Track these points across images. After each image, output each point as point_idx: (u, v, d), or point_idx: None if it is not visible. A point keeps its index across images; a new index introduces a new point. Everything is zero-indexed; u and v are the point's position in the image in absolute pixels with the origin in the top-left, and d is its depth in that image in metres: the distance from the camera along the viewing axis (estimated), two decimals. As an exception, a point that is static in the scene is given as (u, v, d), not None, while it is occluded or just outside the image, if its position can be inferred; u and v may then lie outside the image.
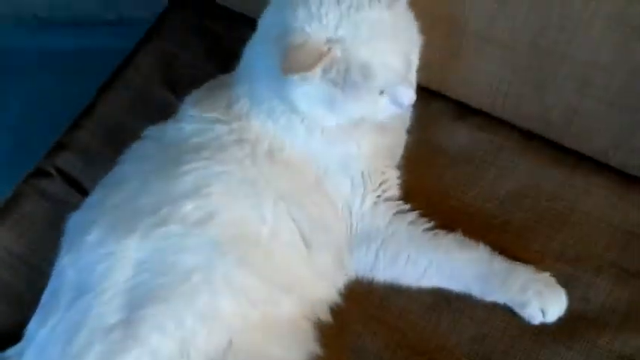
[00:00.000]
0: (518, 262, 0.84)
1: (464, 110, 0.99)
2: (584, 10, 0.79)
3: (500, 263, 0.83)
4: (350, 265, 0.86)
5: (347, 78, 0.73)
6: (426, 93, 0.96)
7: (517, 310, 0.83)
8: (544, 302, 0.82)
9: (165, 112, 0.92)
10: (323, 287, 0.84)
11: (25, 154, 1.03)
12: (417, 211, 0.87)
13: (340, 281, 0.86)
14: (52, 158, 1.02)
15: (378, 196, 0.86)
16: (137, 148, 0.87)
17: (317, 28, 0.73)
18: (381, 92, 0.77)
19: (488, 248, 0.84)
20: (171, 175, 0.79)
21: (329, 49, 0.72)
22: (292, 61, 0.71)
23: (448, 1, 0.88)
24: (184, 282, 0.74)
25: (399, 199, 0.88)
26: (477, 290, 0.84)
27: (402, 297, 0.86)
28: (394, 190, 0.88)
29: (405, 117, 0.91)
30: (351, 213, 0.85)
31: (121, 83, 1.08)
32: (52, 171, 1.01)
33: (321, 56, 0.72)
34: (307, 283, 0.83)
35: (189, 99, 0.90)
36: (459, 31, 0.90)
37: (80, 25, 1.64)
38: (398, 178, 0.89)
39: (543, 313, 0.82)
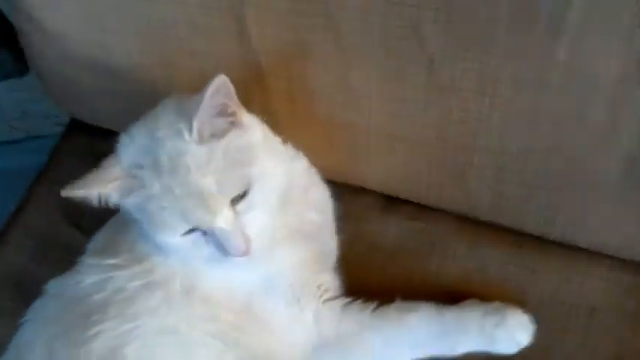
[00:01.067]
0: (467, 303, 0.81)
1: (393, 201, 0.95)
2: (480, 103, 0.76)
3: (449, 311, 0.80)
4: None
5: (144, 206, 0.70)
6: (350, 188, 0.93)
7: (493, 350, 0.79)
8: (508, 329, 0.79)
9: (74, 252, 0.83)
10: None
11: None
12: (360, 300, 0.81)
13: None
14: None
15: (318, 304, 0.80)
16: (38, 307, 0.79)
17: (126, 154, 0.71)
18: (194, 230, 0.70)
19: (432, 303, 0.80)
20: (79, 342, 0.72)
21: (130, 175, 0.70)
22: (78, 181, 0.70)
23: (347, 107, 0.84)
24: None
25: (340, 297, 0.82)
26: (443, 348, 0.79)
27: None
28: (333, 291, 0.82)
29: (328, 220, 0.86)
30: (295, 332, 0.79)
31: (20, 228, 1.02)
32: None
33: (111, 179, 0.70)
34: None
35: (90, 244, 0.82)
36: (363, 132, 0.86)
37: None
38: (335, 279, 0.83)
39: (514, 340, 0.79)
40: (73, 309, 0.75)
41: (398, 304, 0.81)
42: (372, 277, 0.87)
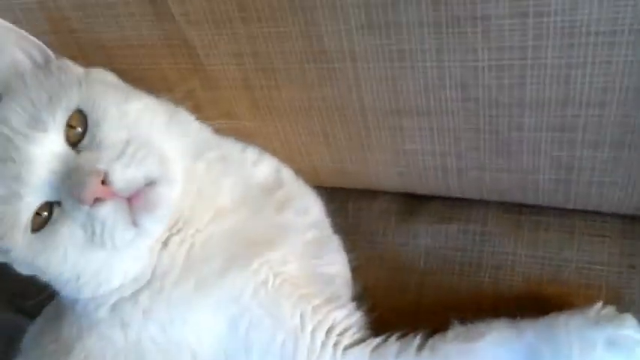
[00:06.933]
0: (552, 315, 0.57)
1: (413, 201, 0.73)
2: (524, 36, 0.51)
3: (532, 327, 0.56)
4: None
5: None
6: (355, 194, 0.75)
7: None
8: (622, 351, 0.54)
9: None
10: None
11: None
12: (396, 334, 0.59)
13: None
14: None
15: (333, 356, 0.56)
16: None
17: None
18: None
19: (504, 320, 0.57)
20: None
21: None
22: None
23: (323, 79, 0.61)
24: None
25: (364, 338, 0.59)
26: None
27: None
28: (353, 332, 0.58)
29: (320, 229, 0.65)
30: None
31: None
32: None
33: None
34: None
35: (26, 341, 0.64)
36: (354, 112, 0.62)
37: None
38: (352, 315, 0.60)
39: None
40: None
41: (456, 330, 0.58)
42: (404, 306, 0.67)
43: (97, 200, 0.49)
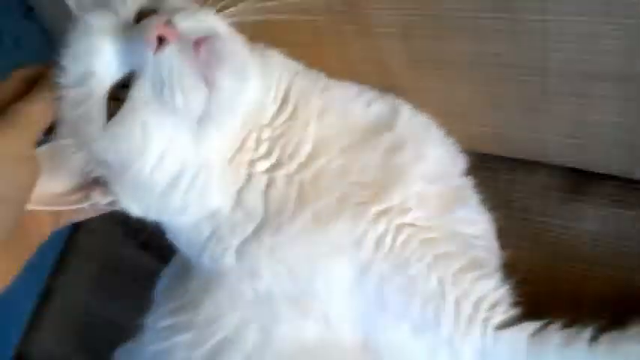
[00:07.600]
0: None
1: (582, 178, 0.63)
2: None
3: None
4: None
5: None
6: (511, 163, 0.66)
7: None
8: None
9: (142, 278, 0.64)
10: None
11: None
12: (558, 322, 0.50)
13: None
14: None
15: (482, 333, 0.49)
16: None
17: None
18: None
19: None
20: None
21: None
22: None
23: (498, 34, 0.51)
24: None
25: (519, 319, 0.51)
26: None
27: None
28: (504, 309, 0.50)
29: (452, 175, 0.57)
30: None
31: (75, 256, 0.85)
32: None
33: None
34: None
35: (157, 293, 0.62)
36: (536, 77, 0.53)
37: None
38: (500, 289, 0.51)
39: None
40: None
41: (638, 328, 0.49)
42: (561, 295, 0.58)
43: (162, 41, 0.46)
